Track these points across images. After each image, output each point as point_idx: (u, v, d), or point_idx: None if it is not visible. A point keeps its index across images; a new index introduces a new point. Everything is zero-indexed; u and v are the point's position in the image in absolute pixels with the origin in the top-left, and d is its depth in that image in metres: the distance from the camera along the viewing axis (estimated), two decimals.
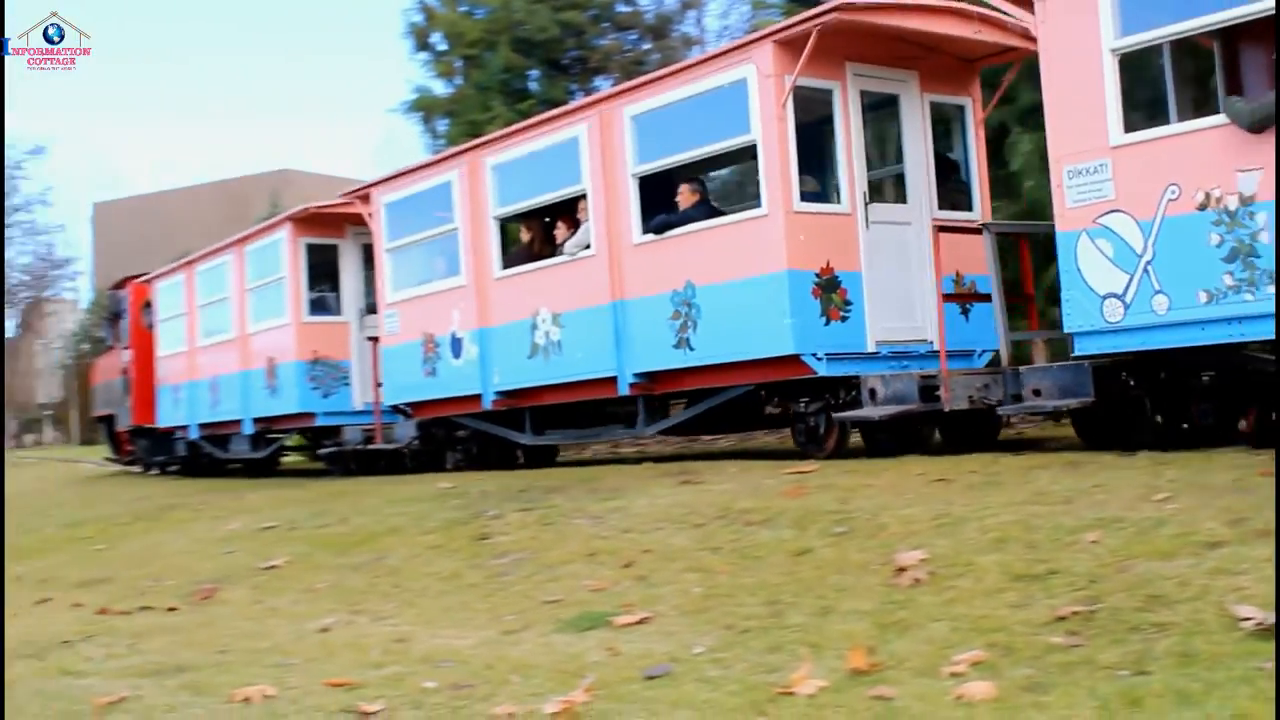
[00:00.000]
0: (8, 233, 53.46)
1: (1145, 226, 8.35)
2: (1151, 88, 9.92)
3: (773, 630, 5.46)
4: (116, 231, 77.19)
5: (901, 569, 5.84)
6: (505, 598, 7.15)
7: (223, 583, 9.07)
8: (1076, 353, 8.91)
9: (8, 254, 54.52)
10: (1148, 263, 8.34)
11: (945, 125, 11.90)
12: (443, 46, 27.18)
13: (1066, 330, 8.93)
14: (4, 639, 7.01)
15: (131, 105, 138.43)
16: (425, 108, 27.13)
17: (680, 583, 6.62)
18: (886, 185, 12.36)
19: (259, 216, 41.09)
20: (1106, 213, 8.57)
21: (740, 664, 5.03)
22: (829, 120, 11.33)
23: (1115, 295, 8.55)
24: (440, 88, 27.38)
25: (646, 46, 27.10)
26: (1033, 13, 9.00)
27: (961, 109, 12.33)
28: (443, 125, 26.90)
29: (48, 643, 7.16)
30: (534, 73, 26.01)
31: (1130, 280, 8.45)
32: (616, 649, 5.51)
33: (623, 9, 27.28)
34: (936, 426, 11.27)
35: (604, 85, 26.15)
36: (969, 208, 12.08)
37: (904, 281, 11.21)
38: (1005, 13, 9.53)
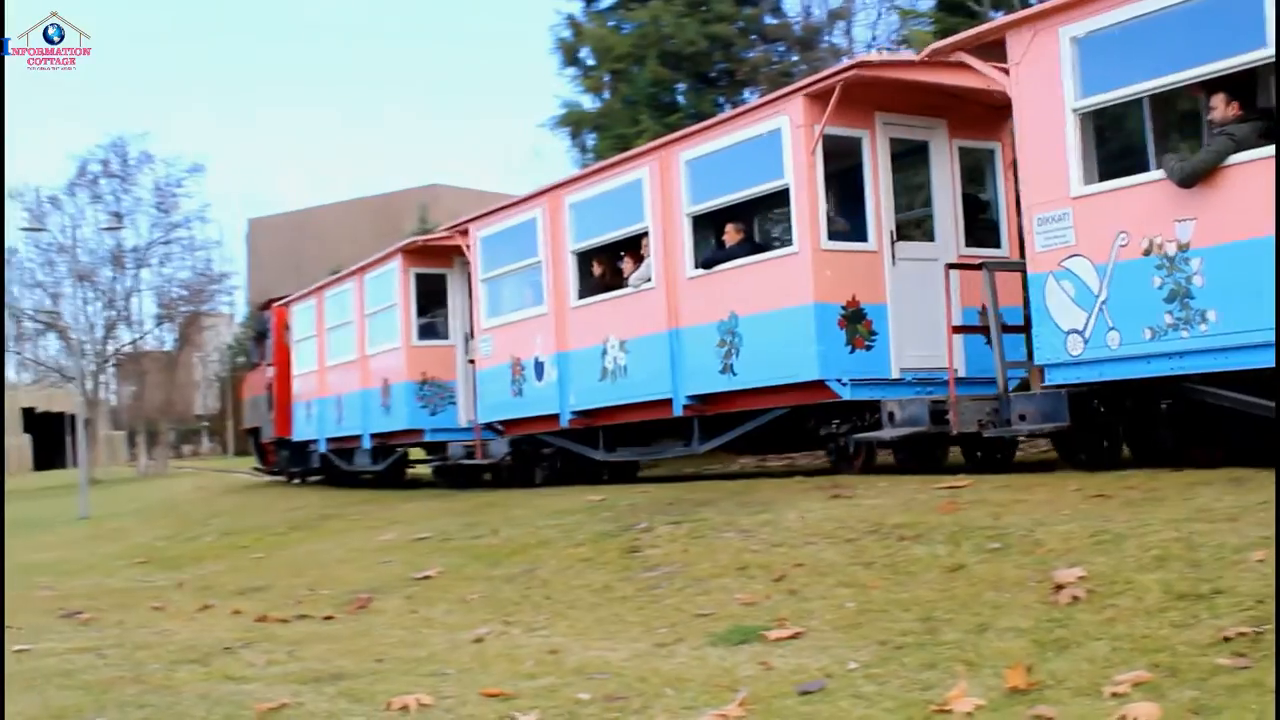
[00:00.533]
0: (168, 249, 54.78)
1: (1101, 269, 9.28)
2: (1132, 139, 10.63)
3: (928, 647, 5.40)
4: (270, 246, 78.98)
5: (1059, 586, 5.74)
6: (657, 610, 7.17)
7: (378, 592, 9.22)
8: (1046, 383, 9.94)
9: (168, 269, 55.85)
10: (1103, 302, 9.28)
11: (976, 167, 12.28)
12: (591, 61, 27.37)
13: (1037, 362, 9.96)
14: (4, 636, 7.22)
15: (285, 123, 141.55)
16: (573, 122, 27.33)
17: (833, 597, 6.58)
18: (920, 224, 13.05)
19: (408, 231, 41.75)
20: (1069, 257, 9.52)
21: (895, 680, 4.99)
22: (859, 165, 12.06)
23: (1076, 331, 9.47)
24: (588, 102, 27.58)
25: (794, 58, 27.00)
26: (1008, 75, 9.96)
27: (991, 152, 12.98)
28: (591, 140, 27.08)
29: (210, 649, 7.31)
30: (681, 86, 26.06)
31: (1089, 318, 9.38)
32: (770, 663, 5.50)
33: (770, 21, 27.22)
34: (959, 446, 11.84)
35: (752, 98, 26.13)
36: (997, 245, 12.80)
37: (929, 313, 11.56)
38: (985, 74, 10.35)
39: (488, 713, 5.03)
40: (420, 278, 19.45)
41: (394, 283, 19.61)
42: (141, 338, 60.04)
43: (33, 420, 72.80)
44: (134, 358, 61.72)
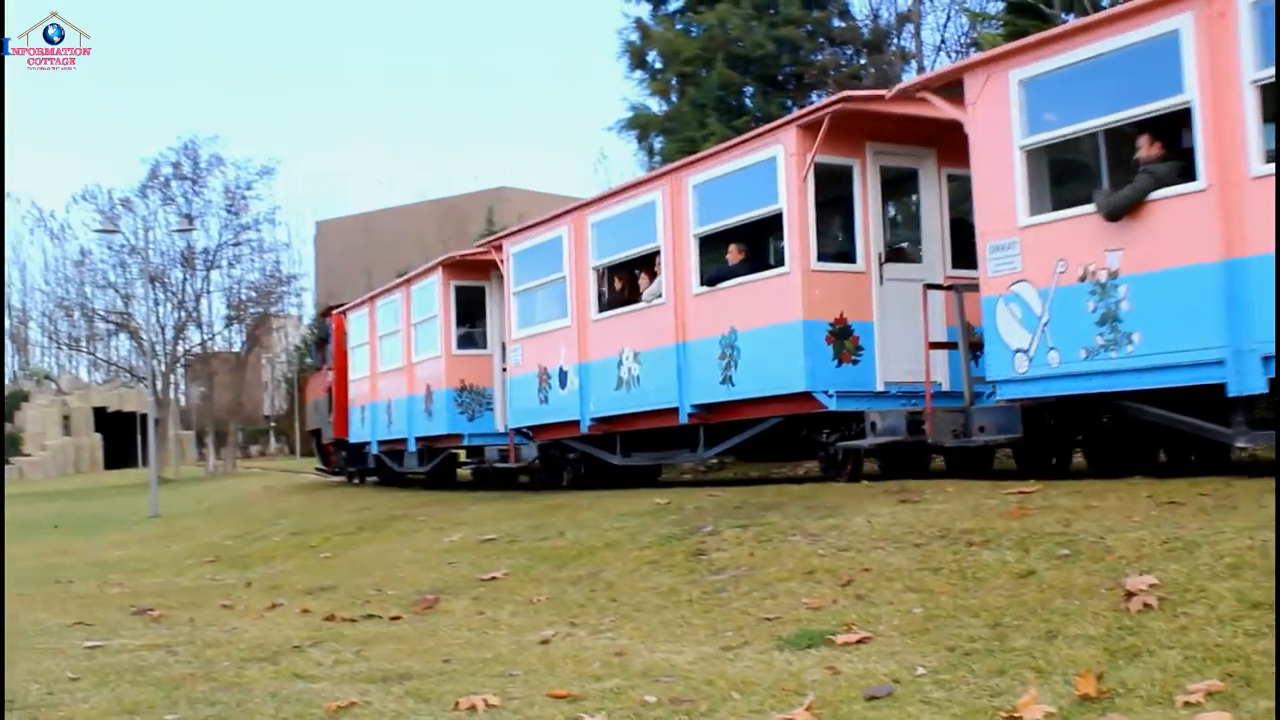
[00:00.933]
0: (239, 250, 55.34)
1: (1043, 294, 10.13)
2: (1090, 172, 11.29)
3: (997, 653, 5.37)
4: (338, 249, 79.56)
5: (1130, 594, 5.68)
6: (723, 614, 7.16)
7: (444, 593, 9.26)
8: (997, 398, 10.78)
9: (238, 271, 56.42)
10: (1045, 324, 10.12)
11: (967, 192, 12.17)
12: (659, 65, 27.38)
13: (989, 379, 10.74)
14: (4, 634, 7.30)
15: (354, 125, 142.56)
16: (641, 126, 27.36)
17: (900, 603, 6.55)
18: (912, 245, 13.68)
19: (476, 234, 41.95)
20: (1016, 281, 10.38)
21: (964, 687, 4.96)
22: (850, 191, 12.84)
23: (1023, 350, 10.30)
24: (656, 106, 27.59)
25: (862, 61, 26.90)
26: (966, 113, 10.78)
27: None
28: (658, 143, 27.09)
29: (279, 647, 7.37)
30: (749, 89, 26.03)
31: (1033, 338, 10.21)
32: (837, 668, 5.48)
33: (838, 24, 27.13)
34: (943, 455, 12.68)
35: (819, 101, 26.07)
36: None
37: (914, 331, 12.12)
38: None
39: (555, 714, 5.04)
40: (460, 290, 20.40)
41: (435, 294, 20.63)
42: (211, 339, 60.67)
43: (104, 420, 73.63)
44: (203, 358, 62.35)
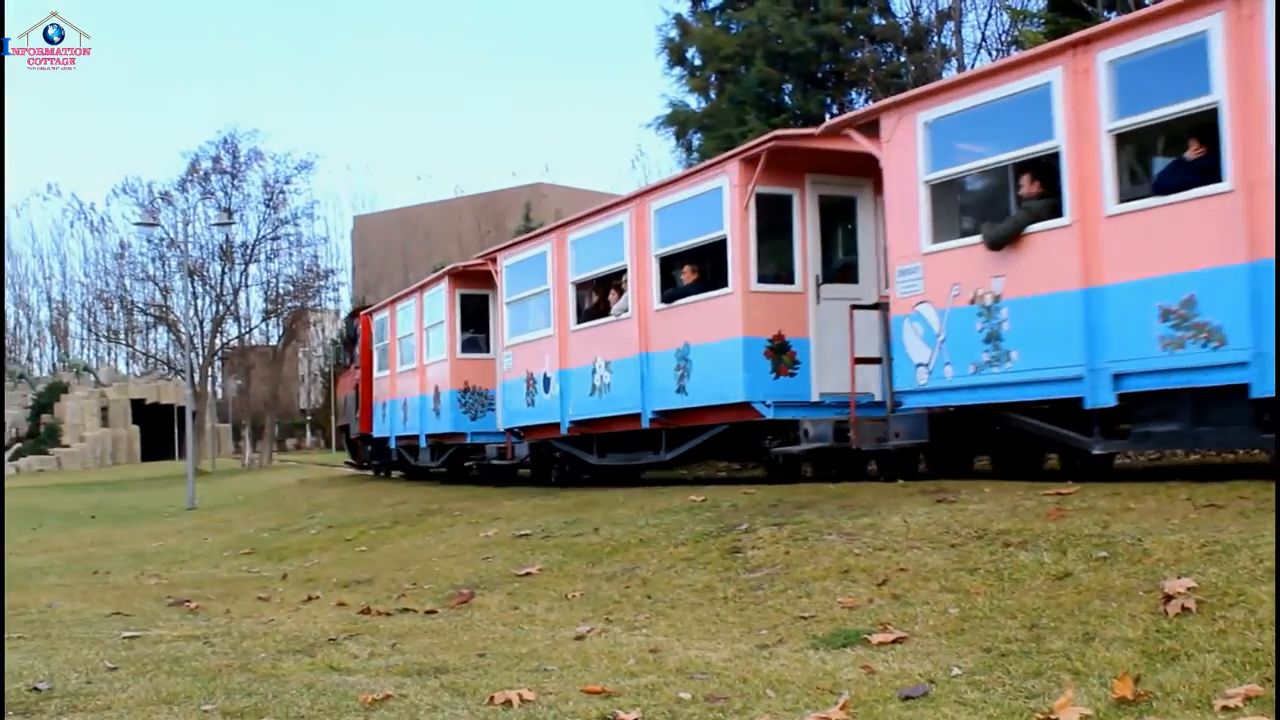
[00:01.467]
0: (277, 244, 55.58)
1: (941, 314, 11.25)
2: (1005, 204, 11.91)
3: (1033, 655, 5.35)
4: (375, 243, 79.74)
5: (1169, 597, 5.66)
6: (758, 612, 7.16)
7: (479, 588, 9.28)
8: (902, 408, 11.91)
9: (276, 265, 56.68)
10: (942, 341, 11.23)
11: None
12: (698, 61, 27.34)
13: (895, 389, 11.89)
14: (3, 631, 7.37)
15: (392, 121, 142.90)
16: (679, 122, 27.33)
17: (936, 603, 6.54)
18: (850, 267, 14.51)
19: (513, 230, 41.98)
20: (919, 303, 11.48)
21: (1000, 688, 4.94)
22: (790, 218, 13.88)
23: (923, 365, 11.42)
24: (694, 102, 27.56)
25: (902, 59, 26.80)
26: (881, 150, 11.88)
27: None
28: (696, 139, 27.05)
29: (315, 639, 7.41)
30: (788, 86, 25.97)
31: (932, 354, 11.32)
32: (872, 667, 5.47)
33: (879, 22, 27.04)
34: (876, 459, 13.51)
35: (859, 100, 25.97)
36: None
37: (863, 343, 13.02)
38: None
39: (589, 710, 5.05)
40: (465, 298, 21.68)
41: (443, 301, 21.92)
42: (248, 332, 60.99)
43: (141, 412, 74.08)
44: (240, 352, 62.72)
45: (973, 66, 22.83)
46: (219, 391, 71.52)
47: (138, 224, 52.40)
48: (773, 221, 13.83)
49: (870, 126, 12.09)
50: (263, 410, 63.57)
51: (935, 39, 27.41)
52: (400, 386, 24.79)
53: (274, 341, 62.84)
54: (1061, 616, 5.84)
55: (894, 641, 5.94)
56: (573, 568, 9.52)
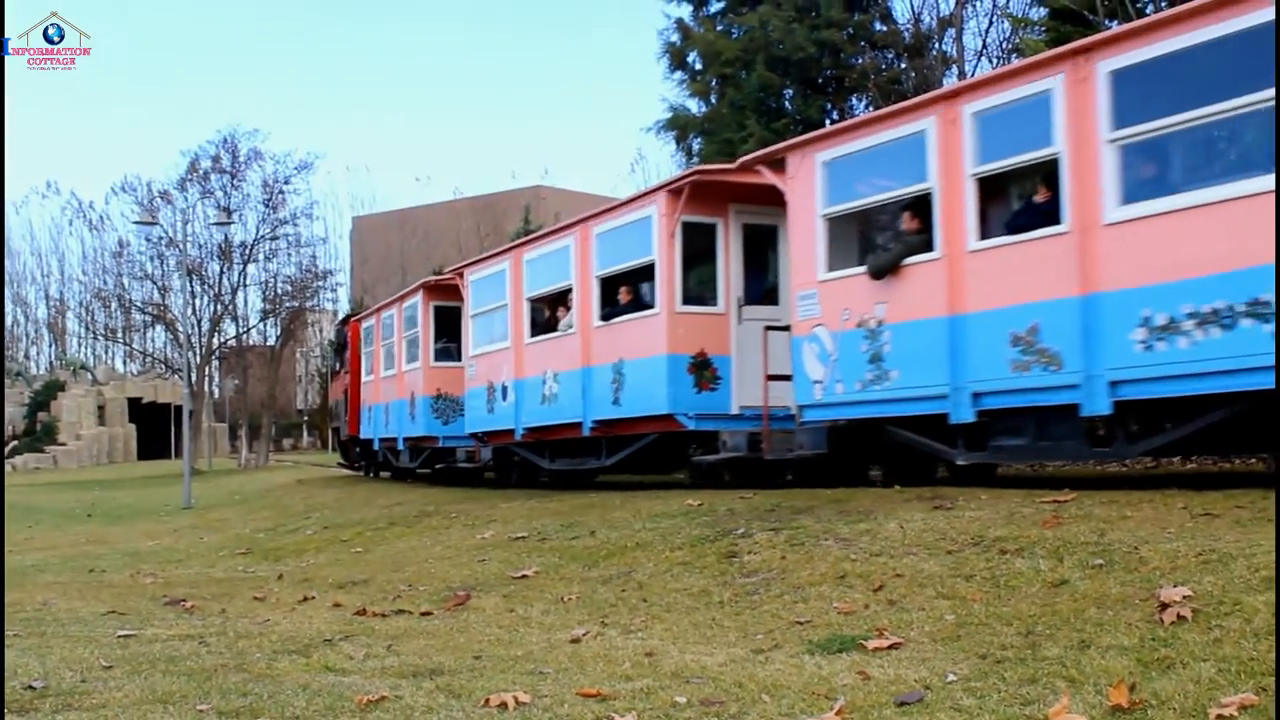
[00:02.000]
0: (276, 244, 55.59)
1: (834, 336, 12.39)
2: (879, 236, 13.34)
3: (1029, 662, 5.35)
4: (373, 244, 79.68)
5: (1164, 605, 5.66)
6: (754, 616, 7.17)
7: (475, 590, 9.29)
8: (801, 421, 12.95)
9: (274, 265, 56.68)
10: (834, 360, 12.36)
11: None
12: (698, 66, 27.36)
13: (796, 404, 12.97)
14: (3, 631, 7.38)
15: (392, 122, 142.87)
16: (679, 126, 27.34)
17: (932, 609, 6.54)
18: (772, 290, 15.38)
19: (512, 233, 41.99)
20: (816, 325, 12.65)
21: (995, 695, 4.94)
22: (714, 245, 14.95)
23: (819, 382, 12.56)
24: (695, 107, 27.57)
25: (903, 66, 26.83)
26: (786, 185, 13.01)
27: None
28: (696, 144, 27.05)
29: (310, 640, 7.41)
30: (789, 92, 25.99)
31: (827, 372, 12.45)
32: (867, 673, 5.47)
33: (880, 28, 27.06)
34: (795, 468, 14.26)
35: (859, 106, 25.99)
36: None
37: (771, 362, 13.88)
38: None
39: (585, 713, 5.05)
40: (439, 309, 22.89)
41: (418, 313, 23.38)
42: (246, 332, 60.97)
43: (138, 411, 74.07)
44: (238, 352, 62.68)
45: (974, 74, 22.87)
46: (216, 391, 71.53)
47: (137, 222, 52.45)
48: (699, 247, 14.93)
49: (778, 163, 13.20)
50: (259, 410, 63.52)
51: (936, 46, 27.44)
52: (383, 391, 25.94)
53: (271, 342, 62.80)
54: (1057, 624, 5.84)
55: (889, 647, 5.94)
56: (569, 570, 9.52)
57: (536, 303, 18.24)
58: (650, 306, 15.17)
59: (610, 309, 16.02)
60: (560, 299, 17.52)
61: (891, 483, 11.98)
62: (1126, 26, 10.64)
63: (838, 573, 7.68)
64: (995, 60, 26.00)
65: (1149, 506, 8.09)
